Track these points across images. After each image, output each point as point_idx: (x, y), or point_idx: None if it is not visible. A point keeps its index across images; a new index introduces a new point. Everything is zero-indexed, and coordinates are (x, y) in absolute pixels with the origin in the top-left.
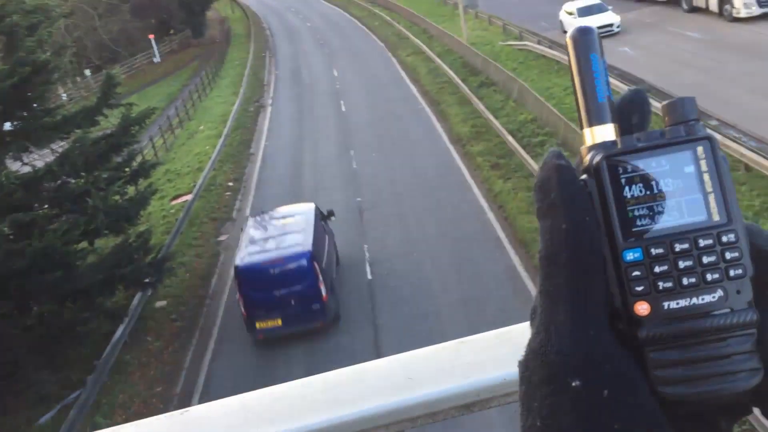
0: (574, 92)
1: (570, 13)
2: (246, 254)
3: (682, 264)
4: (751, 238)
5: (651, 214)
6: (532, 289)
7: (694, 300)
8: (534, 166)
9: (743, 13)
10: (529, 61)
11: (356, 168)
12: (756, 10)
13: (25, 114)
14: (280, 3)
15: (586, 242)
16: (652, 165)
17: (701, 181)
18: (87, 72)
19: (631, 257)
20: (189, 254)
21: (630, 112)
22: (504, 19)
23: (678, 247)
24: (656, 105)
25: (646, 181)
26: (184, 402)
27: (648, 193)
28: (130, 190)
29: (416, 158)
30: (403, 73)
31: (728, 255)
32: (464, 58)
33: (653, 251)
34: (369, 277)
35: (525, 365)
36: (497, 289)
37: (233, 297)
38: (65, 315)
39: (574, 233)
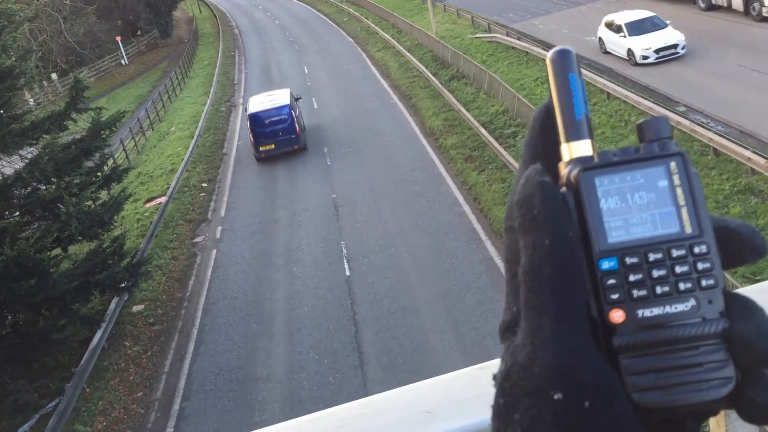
0: (553, 110)
1: (615, 29)
2: (253, 108)
3: (656, 273)
4: (716, 224)
5: (626, 225)
6: None
7: (668, 309)
8: (507, 157)
9: None
10: (498, 53)
11: (330, 165)
12: None
13: None
14: (248, 1)
15: (568, 256)
16: (627, 179)
17: (674, 195)
18: (54, 76)
19: (607, 266)
20: (165, 257)
21: (742, 246)
22: (472, 12)
23: (652, 256)
24: (625, 94)
25: (621, 194)
26: (165, 406)
27: (623, 205)
28: (103, 194)
29: (390, 153)
30: (373, 69)
31: (700, 265)
32: (434, 52)
33: (628, 260)
34: (347, 273)
35: (506, 377)
36: (475, 281)
37: (211, 298)
38: (41, 323)
39: (557, 248)
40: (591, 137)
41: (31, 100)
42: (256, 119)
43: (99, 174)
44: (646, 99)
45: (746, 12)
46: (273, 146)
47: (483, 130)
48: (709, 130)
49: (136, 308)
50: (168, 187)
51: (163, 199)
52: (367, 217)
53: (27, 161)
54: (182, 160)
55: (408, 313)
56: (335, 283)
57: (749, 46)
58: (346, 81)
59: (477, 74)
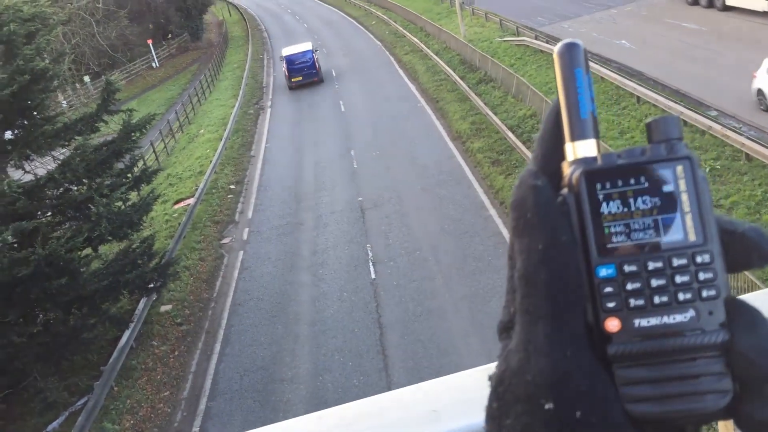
0: (560, 107)
1: None
2: (286, 53)
3: (654, 282)
4: (720, 224)
5: (627, 231)
6: None
7: (665, 319)
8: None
9: None
10: (526, 57)
11: (357, 167)
12: None
13: (25, 122)
14: (277, 5)
15: (563, 261)
16: (630, 182)
17: (679, 201)
18: (86, 78)
19: (604, 273)
20: (193, 258)
21: (749, 251)
22: (501, 15)
23: (651, 265)
24: (655, 98)
25: (623, 198)
26: (192, 406)
27: (625, 210)
28: (133, 195)
29: (417, 156)
30: (401, 72)
31: (702, 276)
32: (462, 55)
33: (626, 268)
34: (373, 276)
35: (499, 381)
36: (501, 285)
37: (238, 299)
38: (71, 321)
39: (550, 253)
40: (596, 137)
41: (64, 102)
42: (289, 60)
43: (129, 175)
44: (676, 103)
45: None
46: (300, 78)
47: (510, 134)
48: (741, 135)
49: (164, 308)
50: (196, 189)
51: (191, 201)
52: (393, 220)
53: (59, 162)
54: (210, 162)
55: (433, 317)
56: (360, 285)
57: None
58: (374, 84)
59: (505, 78)
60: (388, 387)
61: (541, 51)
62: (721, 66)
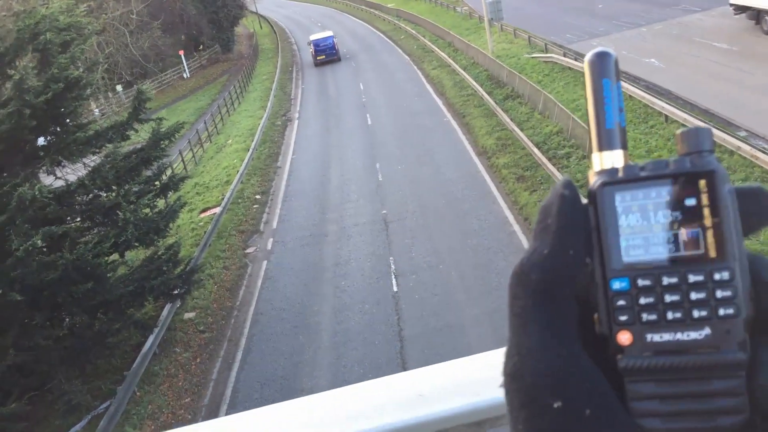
0: (588, 117)
1: None
2: (313, 38)
3: (668, 298)
4: (757, 269)
5: (645, 244)
6: None
7: (679, 335)
8: (560, 178)
9: None
10: (554, 74)
11: (382, 180)
12: None
13: (58, 129)
14: (307, 18)
15: (558, 270)
16: (651, 195)
17: (701, 215)
18: (119, 87)
19: (618, 286)
20: (217, 266)
21: (751, 210)
22: (529, 31)
23: (666, 280)
24: (684, 117)
25: (643, 211)
26: (212, 414)
27: (644, 223)
28: (160, 203)
29: (442, 171)
30: (428, 86)
31: (719, 293)
32: (489, 71)
33: (640, 282)
34: (395, 289)
35: (505, 390)
36: None
37: (260, 308)
38: (96, 326)
39: (551, 260)
40: (623, 147)
41: (97, 110)
42: (315, 44)
43: (157, 183)
44: (704, 122)
45: None
46: (324, 56)
47: (536, 150)
48: None
49: (187, 315)
50: (223, 198)
51: (217, 210)
52: (416, 234)
53: (89, 169)
54: (237, 172)
55: (454, 331)
56: (382, 298)
57: None
58: (401, 98)
59: (532, 94)
60: None
61: (570, 68)
62: (752, 86)
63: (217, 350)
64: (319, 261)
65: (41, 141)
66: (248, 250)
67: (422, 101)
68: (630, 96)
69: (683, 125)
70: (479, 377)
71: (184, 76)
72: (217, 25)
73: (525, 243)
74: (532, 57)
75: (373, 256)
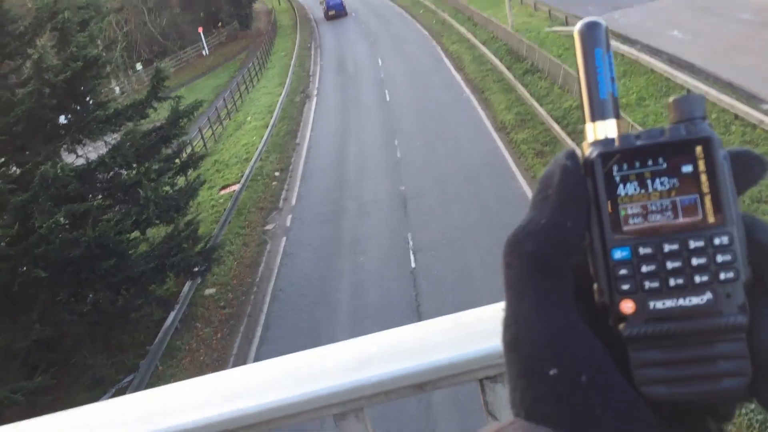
0: (580, 87)
1: None
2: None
3: (670, 265)
4: (752, 232)
5: (644, 212)
6: None
7: (681, 301)
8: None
9: None
10: (574, 47)
11: (400, 157)
12: None
13: (78, 107)
14: None
15: (555, 241)
16: (648, 164)
17: (698, 182)
18: (138, 66)
19: (619, 255)
20: (237, 243)
21: (740, 173)
22: (550, 4)
23: (667, 247)
24: (706, 90)
25: (641, 179)
26: None
27: (642, 191)
28: (180, 180)
29: (460, 146)
30: (447, 61)
31: (720, 258)
32: (509, 45)
33: (641, 251)
34: (413, 265)
35: (505, 360)
36: None
37: (279, 284)
38: (119, 302)
39: (547, 230)
40: (616, 117)
41: (117, 88)
42: (328, 3)
43: (177, 161)
44: (727, 95)
45: None
46: (334, 12)
47: (555, 126)
48: None
49: (208, 291)
50: (242, 176)
51: (236, 187)
52: (434, 210)
53: (110, 147)
54: (257, 149)
55: (472, 307)
56: (400, 274)
57: None
58: (419, 73)
59: (552, 68)
60: None
61: None
62: None
63: (237, 326)
64: (337, 237)
65: (62, 119)
66: (267, 227)
67: (441, 76)
68: (651, 69)
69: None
70: (421, 344)
71: (204, 53)
72: (235, 1)
73: None
74: (553, 30)
75: (392, 232)
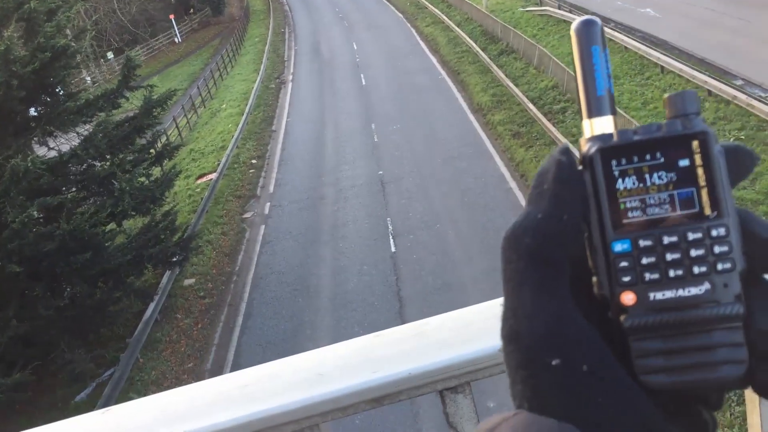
0: (576, 85)
1: None
2: None
3: (669, 256)
4: (746, 224)
5: (642, 206)
6: None
7: (680, 292)
8: (556, 133)
9: None
10: (549, 27)
11: (378, 141)
12: None
13: (48, 99)
14: None
15: (551, 235)
16: (646, 158)
17: (695, 175)
18: (110, 54)
19: (620, 248)
20: (215, 232)
21: (732, 167)
22: None
23: (666, 239)
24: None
25: (639, 173)
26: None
27: (641, 185)
28: (156, 171)
29: (437, 129)
30: (422, 44)
31: (717, 249)
32: (484, 26)
33: (641, 243)
34: (393, 249)
35: (503, 353)
36: None
37: (259, 273)
38: (97, 295)
39: (544, 224)
40: (613, 113)
41: (88, 78)
42: None
43: (152, 151)
44: (701, 72)
45: None
46: None
47: (531, 106)
48: (766, 104)
49: (187, 282)
50: (218, 164)
51: (213, 176)
52: (413, 194)
53: (82, 138)
54: (232, 137)
55: (453, 290)
56: (380, 259)
57: None
58: (395, 57)
59: (527, 49)
60: None
61: (564, 21)
62: (748, 35)
63: (218, 315)
64: (316, 224)
65: (32, 111)
66: (246, 215)
67: (416, 59)
68: (625, 47)
69: (679, 75)
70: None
71: (176, 40)
72: None
73: (521, 200)
74: (527, 10)
75: (371, 217)
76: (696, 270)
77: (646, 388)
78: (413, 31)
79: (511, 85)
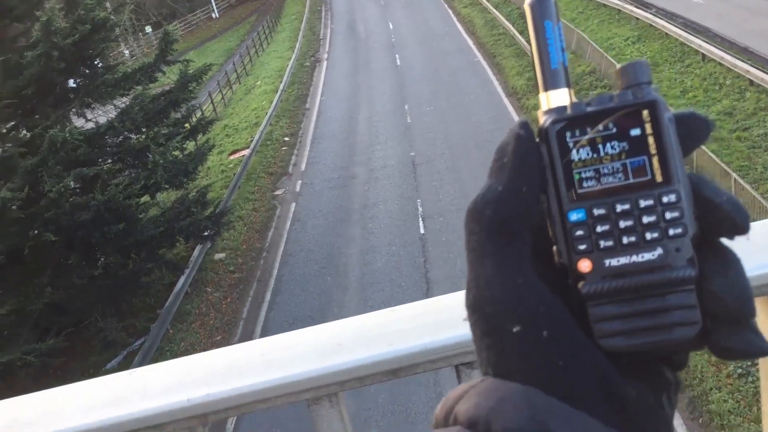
0: (531, 59)
1: None
2: None
3: (622, 224)
4: (699, 189)
5: (597, 176)
6: None
7: (634, 258)
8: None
9: None
10: (589, 11)
11: (410, 122)
12: None
13: (87, 71)
14: None
15: (512, 206)
16: (599, 129)
17: (646, 144)
18: (148, 28)
19: (575, 217)
20: (246, 208)
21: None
22: None
23: (619, 207)
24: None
25: (593, 144)
26: None
27: (594, 155)
28: (189, 145)
29: (471, 112)
30: (459, 26)
31: (668, 215)
32: (521, 9)
33: (596, 211)
34: (422, 231)
35: (469, 322)
36: None
37: (289, 249)
38: (130, 266)
39: (505, 196)
40: (568, 86)
41: (127, 51)
42: None
43: (186, 125)
44: (743, 61)
45: None
46: None
47: None
48: None
49: (218, 256)
50: (252, 140)
51: (246, 152)
52: (444, 176)
53: (119, 111)
54: (266, 113)
55: None
56: (409, 240)
57: None
58: (431, 38)
59: (565, 33)
60: None
61: (605, 5)
62: None
63: (246, 290)
64: (346, 203)
65: (71, 83)
66: (277, 192)
67: (452, 41)
68: (666, 34)
69: (720, 63)
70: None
71: (213, 16)
72: None
73: None
74: None
75: (401, 198)
76: (648, 236)
77: (606, 351)
78: (450, 11)
79: None
